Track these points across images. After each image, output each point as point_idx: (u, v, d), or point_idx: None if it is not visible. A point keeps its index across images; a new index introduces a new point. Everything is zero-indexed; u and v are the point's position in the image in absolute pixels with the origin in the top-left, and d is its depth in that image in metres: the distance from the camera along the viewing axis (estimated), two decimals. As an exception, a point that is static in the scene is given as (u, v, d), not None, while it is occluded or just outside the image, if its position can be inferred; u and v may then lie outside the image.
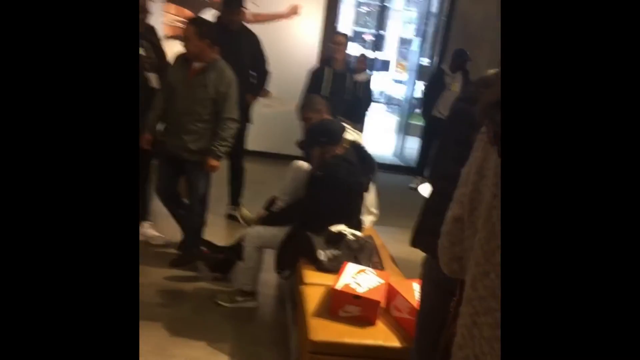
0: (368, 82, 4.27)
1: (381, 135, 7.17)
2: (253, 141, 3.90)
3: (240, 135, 3.37)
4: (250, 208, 3.42)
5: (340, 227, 2.18)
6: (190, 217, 2.58)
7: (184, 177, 2.54)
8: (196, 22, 2.38)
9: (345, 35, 3.85)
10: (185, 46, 2.35)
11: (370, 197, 2.69)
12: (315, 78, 3.78)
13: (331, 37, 3.87)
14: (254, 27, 3.28)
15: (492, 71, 0.96)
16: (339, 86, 3.85)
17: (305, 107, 2.57)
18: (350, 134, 2.53)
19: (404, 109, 6.63)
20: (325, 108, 2.54)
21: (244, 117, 3.33)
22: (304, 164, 2.44)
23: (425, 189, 1.31)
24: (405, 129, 6.40)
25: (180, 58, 2.43)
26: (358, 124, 3.97)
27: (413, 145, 7.54)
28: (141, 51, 2.55)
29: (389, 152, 6.77)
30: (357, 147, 2.26)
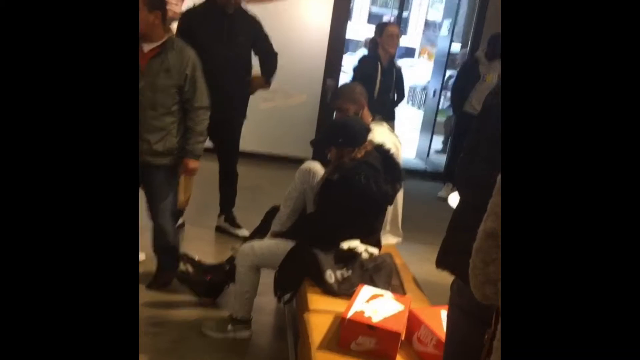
0: (401, 72, 4.31)
1: (403, 134, 7.19)
2: (248, 141, 3.92)
3: (235, 133, 3.41)
4: (245, 219, 3.43)
5: (354, 244, 2.18)
6: (159, 236, 2.58)
7: (142, 187, 2.48)
8: None
9: (398, 25, 3.94)
10: None
11: (394, 212, 2.67)
12: (365, 70, 3.80)
13: (380, 28, 3.92)
14: (254, 8, 3.32)
15: None
16: (387, 83, 3.92)
17: (343, 97, 2.58)
18: (388, 136, 2.54)
19: (431, 104, 6.63)
20: (366, 101, 2.57)
21: (242, 111, 3.35)
22: (316, 166, 2.46)
23: (455, 199, 1.33)
24: (431, 128, 6.40)
25: None
26: (392, 122, 4.06)
27: (441, 147, 7.52)
28: None
29: (411, 154, 6.77)
30: (383, 152, 2.27)
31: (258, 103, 3.44)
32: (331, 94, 2.63)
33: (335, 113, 2.61)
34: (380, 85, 3.83)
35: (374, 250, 2.21)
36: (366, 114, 2.60)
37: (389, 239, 2.63)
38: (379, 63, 3.85)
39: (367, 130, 2.28)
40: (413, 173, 5.63)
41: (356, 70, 3.90)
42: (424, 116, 6.99)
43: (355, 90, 2.60)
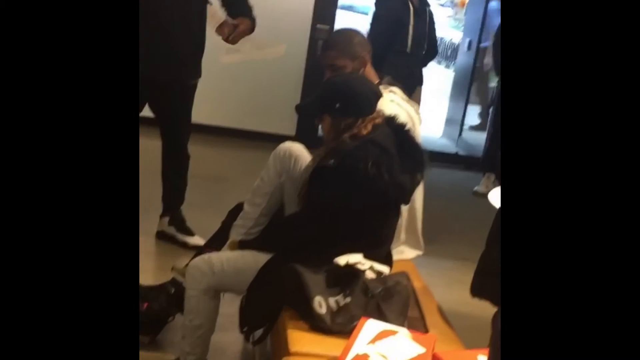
0: (432, 15, 4.36)
1: (428, 106, 7.19)
2: (205, 110, 3.93)
3: (185, 99, 3.39)
4: (199, 221, 3.42)
5: (355, 258, 2.17)
6: None
7: None
8: None
9: None
10: None
11: (412, 215, 2.67)
12: (392, 11, 3.84)
13: None
14: None
15: None
16: (420, 31, 3.98)
17: (337, 48, 2.60)
18: (401, 107, 2.55)
19: (464, 61, 6.62)
20: (369, 56, 2.61)
21: (194, 68, 3.34)
22: (299, 148, 2.50)
23: (499, 197, 1.33)
24: (465, 95, 6.40)
25: None
26: (414, 91, 4.11)
27: (478, 121, 7.52)
28: None
29: (436, 132, 6.77)
30: (396, 127, 2.28)
31: (219, 55, 3.40)
32: (322, 45, 2.64)
33: (325, 72, 2.62)
34: (413, 34, 3.87)
35: (383, 269, 2.21)
36: (370, 74, 2.62)
37: (404, 253, 2.65)
38: (409, 1, 3.87)
39: (377, 94, 2.29)
40: (439, 158, 5.65)
41: (379, 11, 3.88)
42: (455, 78, 7.00)
43: (354, 39, 2.64)
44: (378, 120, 2.24)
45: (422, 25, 4.04)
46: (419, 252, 2.72)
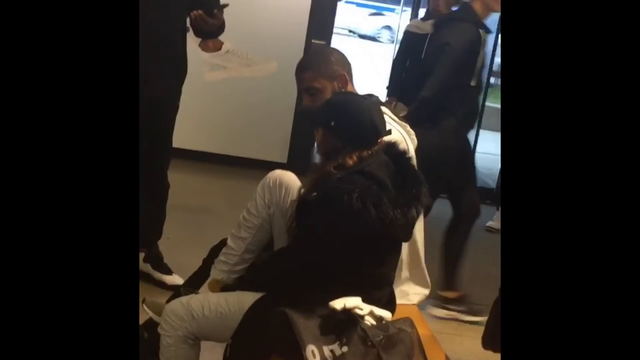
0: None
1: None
2: (188, 135, 3.92)
3: (164, 122, 3.39)
4: (177, 258, 3.41)
5: (352, 302, 2.15)
6: None
7: None
8: None
9: None
10: None
11: (412, 249, 2.69)
12: (470, 46, 3.82)
13: None
14: None
15: None
16: (485, 63, 4.03)
17: (312, 67, 2.57)
18: (392, 126, 2.51)
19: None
20: (349, 75, 2.61)
21: (175, 88, 3.36)
22: (290, 177, 2.50)
23: None
24: (479, 118, 6.39)
25: None
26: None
27: (492, 149, 7.50)
28: None
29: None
30: (395, 154, 2.29)
31: (202, 73, 3.41)
32: (297, 66, 2.58)
33: (302, 97, 2.59)
34: (481, 66, 3.86)
35: (385, 314, 2.20)
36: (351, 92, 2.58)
37: (409, 296, 2.64)
38: (478, 29, 3.80)
39: (379, 130, 2.25)
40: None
41: (444, 38, 3.81)
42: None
43: (331, 57, 2.62)
44: (370, 151, 2.22)
45: (485, 55, 4.04)
46: (425, 291, 2.71)
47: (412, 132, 2.69)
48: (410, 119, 3.05)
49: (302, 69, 2.60)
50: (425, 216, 2.35)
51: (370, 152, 2.22)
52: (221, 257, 2.50)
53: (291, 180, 2.47)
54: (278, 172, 2.51)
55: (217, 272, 2.48)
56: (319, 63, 2.58)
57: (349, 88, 2.57)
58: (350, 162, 2.18)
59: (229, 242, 2.51)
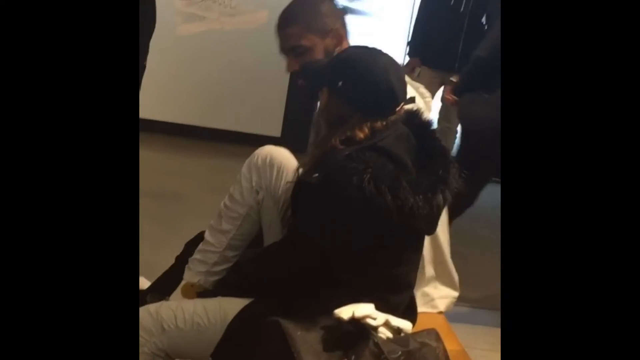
0: None
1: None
2: (155, 103, 3.87)
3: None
4: (147, 257, 3.36)
5: (363, 310, 2.14)
6: None
7: None
8: None
9: None
10: None
11: (435, 244, 2.78)
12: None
13: None
14: None
15: None
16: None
17: (299, 22, 2.58)
18: (417, 95, 2.61)
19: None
20: (344, 28, 2.66)
21: (143, 44, 3.36)
22: (283, 154, 2.54)
23: None
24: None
25: None
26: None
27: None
28: None
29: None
30: (417, 124, 2.31)
31: (174, 25, 3.37)
32: (278, 21, 2.57)
33: (287, 59, 2.62)
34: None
35: (403, 325, 2.19)
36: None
37: (434, 300, 2.73)
38: None
39: (402, 90, 2.25)
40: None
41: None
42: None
43: (321, 7, 2.62)
44: (386, 121, 2.21)
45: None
46: (454, 294, 2.76)
47: (427, 94, 2.65)
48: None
49: (285, 23, 2.61)
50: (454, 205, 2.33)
51: (385, 122, 2.21)
52: (197, 256, 2.51)
53: (284, 158, 2.49)
54: (268, 149, 2.53)
55: (193, 274, 2.49)
56: (307, 15, 2.60)
57: (344, 45, 2.58)
58: (361, 134, 2.18)
59: (207, 236, 2.53)
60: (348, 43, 2.61)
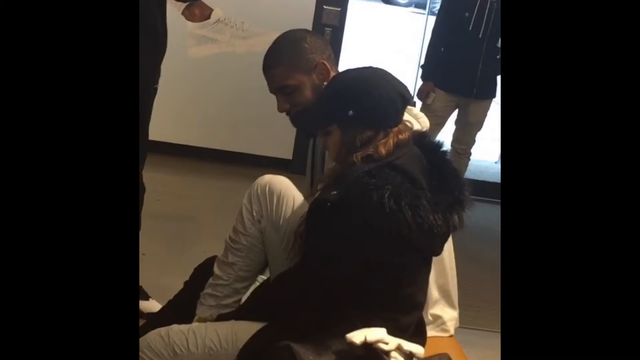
0: None
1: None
2: (167, 125, 3.91)
3: (141, 107, 3.36)
4: (156, 280, 3.41)
5: (374, 334, 2.15)
6: None
7: None
8: None
9: None
10: None
11: (439, 267, 2.74)
12: None
13: None
14: None
15: None
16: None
17: (283, 62, 2.57)
18: (411, 117, 2.56)
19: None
20: (332, 61, 2.65)
21: (154, 67, 3.37)
22: (283, 183, 2.54)
23: None
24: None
25: None
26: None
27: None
28: None
29: (494, 155, 6.76)
30: (428, 146, 2.31)
31: (185, 48, 3.41)
32: (263, 64, 2.57)
33: (277, 100, 2.62)
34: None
35: (415, 349, 2.19)
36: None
37: (445, 323, 2.73)
38: None
39: (406, 98, 2.28)
40: (494, 190, 5.57)
41: None
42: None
43: (303, 43, 2.61)
44: (403, 136, 2.24)
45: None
46: (456, 315, 2.77)
47: (420, 114, 2.66)
48: None
49: (269, 65, 2.60)
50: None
51: (403, 138, 2.24)
52: (208, 290, 2.52)
53: (284, 186, 2.50)
54: (267, 178, 2.54)
55: (205, 309, 2.49)
56: (291, 54, 2.57)
57: (331, 75, 2.56)
58: (384, 151, 2.20)
59: (216, 270, 2.53)
60: (336, 70, 2.60)
